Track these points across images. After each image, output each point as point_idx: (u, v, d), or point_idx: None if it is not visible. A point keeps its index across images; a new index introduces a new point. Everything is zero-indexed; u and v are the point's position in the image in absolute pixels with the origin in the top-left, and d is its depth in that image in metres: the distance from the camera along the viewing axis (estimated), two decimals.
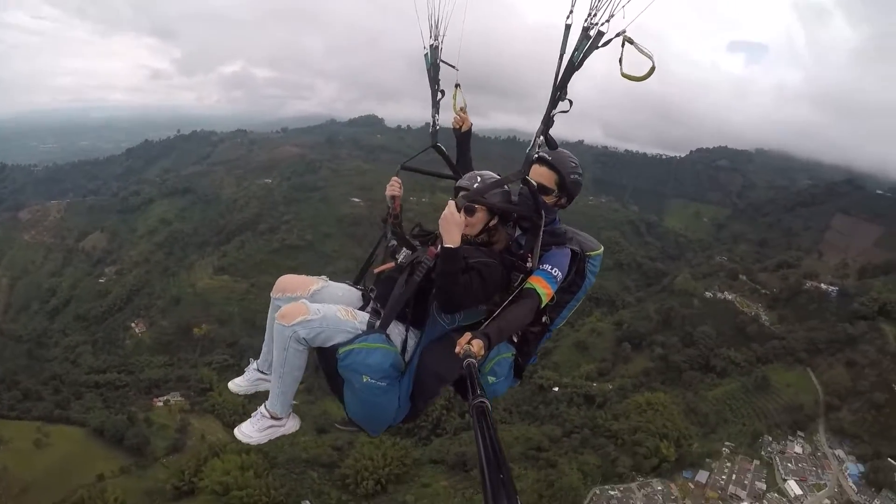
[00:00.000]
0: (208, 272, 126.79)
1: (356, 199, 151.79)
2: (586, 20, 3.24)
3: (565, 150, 4.24)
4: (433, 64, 4.88)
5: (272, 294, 4.16)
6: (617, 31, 3.19)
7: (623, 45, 3.20)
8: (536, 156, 4.08)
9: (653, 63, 3.21)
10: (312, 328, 3.52)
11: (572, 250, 4.11)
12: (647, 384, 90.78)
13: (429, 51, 4.87)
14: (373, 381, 3.60)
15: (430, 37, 4.83)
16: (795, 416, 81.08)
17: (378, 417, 3.88)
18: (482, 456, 1.69)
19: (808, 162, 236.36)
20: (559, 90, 3.43)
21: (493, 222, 4.01)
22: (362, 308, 4.10)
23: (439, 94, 4.93)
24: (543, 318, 4.18)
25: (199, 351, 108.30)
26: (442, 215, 3.58)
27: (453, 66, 4.90)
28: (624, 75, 3.32)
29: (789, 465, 72.30)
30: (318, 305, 3.66)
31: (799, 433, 78.76)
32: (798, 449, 75.58)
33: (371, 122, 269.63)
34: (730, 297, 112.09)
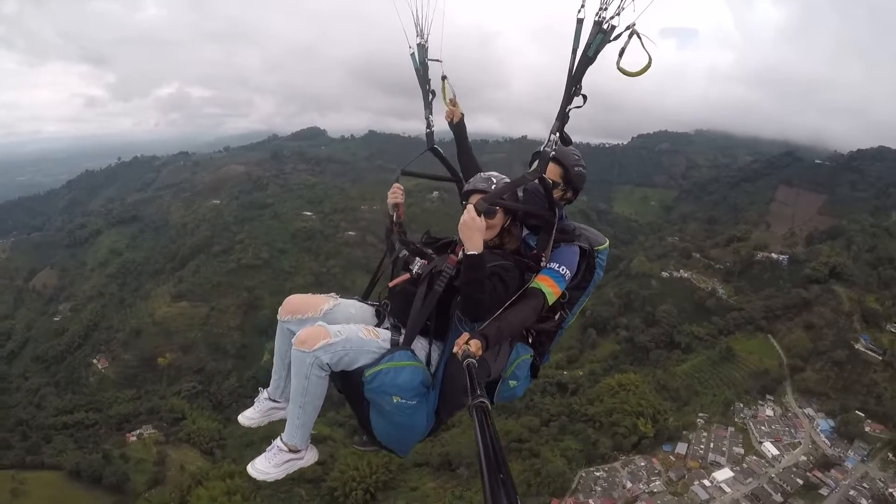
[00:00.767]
0: (166, 300, 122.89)
1: (307, 213, 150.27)
2: (598, 14, 3.21)
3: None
4: (422, 63, 4.74)
5: (280, 317, 3.90)
6: (627, 24, 3.21)
7: (630, 37, 3.23)
8: (536, 150, 4.10)
9: (650, 59, 3.30)
10: (336, 352, 3.33)
11: (581, 247, 4.05)
12: (616, 367, 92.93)
13: (416, 50, 4.73)
14: (403, 402, 3.44)
15: (416, 35, 4.70)
16: (763, 381, 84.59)
17: (409, 437, 3.74)
18: (482, 456, 1.68)
19: (748, 138, 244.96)
20: (574, 85, 3.38)
21: (507, 223, 3.92)
22: (378, 325, 3.95)
23: (430, 95, 4.80)
24: (556, 316, 4.15)
25: (166, 381, 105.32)
26: (462, 220, 3.40)
27: (438, 60, 4.76)
28: (620, 69, 3.34)
29: (763, 427, 75.28)
30: (337, 327, 3.46)
31: (768, 397, 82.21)
32: (769, 412, 78.79)
33: (314, 135, 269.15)
34: (686, 275, 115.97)
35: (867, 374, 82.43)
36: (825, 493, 63.81)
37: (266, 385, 4.42)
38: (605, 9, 3.19)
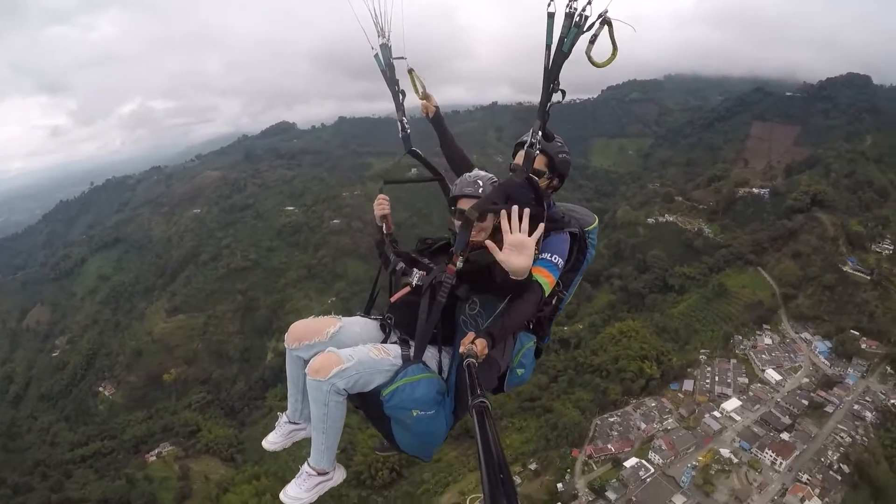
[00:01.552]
0: (161, 316, 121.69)
1: (290, 208, 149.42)
2: (568, 6, 3.17)
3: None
4: (388, 65, 4.62)
5: (287, 345, 3.87)
6: (599, 13, 3.17)
7: (602, 25, 3.19)
8: (519, 141, 4.14)
9: (615, 49, 3.27)
10: (350, 377, 3.35)
11: (571, 233, 4.07)
12: (614, 316, 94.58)
13: (379, 51, 4.60)
14: (423, 413, 3.49)
15: (378, 36, 4.56)
16: (758, 313, 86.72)
17: (432, 444, 3.77)
18: (482, 456, 1.70)
19: (717, 79, 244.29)
20: (552, 81, 3.34)
21: (498, 221, 3.70)
22: (384, 340, 3.96)
23: (401, 96, 4.68)
24: (553, 300, 4.18)
25: (174, 396, 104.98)
26: (519, 241, 3.17)
27: (403, 58, 4.61)
28: (590, 59, 3.33)
29: (764, 356, 77.71)
30: (348, 351, 3.45)
31: (765, 326, 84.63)
32: (768, 341, 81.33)
33: (284, 129, 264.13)
34: (671, 219, 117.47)
35: (857, 294, 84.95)
36: (830, 411, 66.32)
37: (285, 410, 4.41)
38: (576, 0, 3.14)
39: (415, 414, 3.46)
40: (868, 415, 64.96)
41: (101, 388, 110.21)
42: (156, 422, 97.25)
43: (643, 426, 66.79)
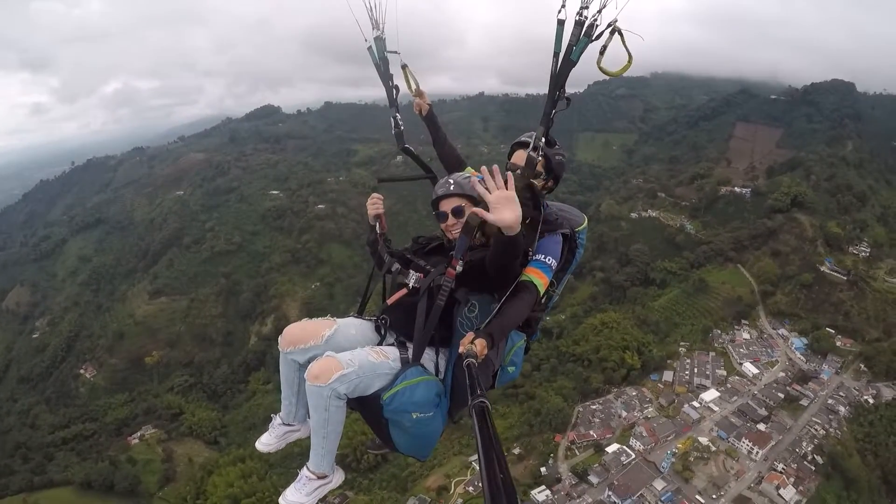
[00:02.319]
0: (144, 299, 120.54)
1: (274, 192, 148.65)
2: (579, 13, 3.14)
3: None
4: (382, 59, 4.54)
5: (282, 348, 3.80)
6: (609, 22, 3.14)
7: (612, 34, 3.18)
8: (517, 141, 4.26)
9: (630, 58, 3.26)
10: (351, 381, 3.33)
11: (563, 234, 4.13)
12: (596, 307, 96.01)
13: (373, 44, 4.53)
14: (422, 416, 3.51)
15: (373, 28, 4.50)
16: (737, 308, 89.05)
17: (429, 444, 3.78)
18: (482, 456, 1.71)
19: (703, 79, 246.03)
20: (558, 89, 3.35)
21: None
22: (380, 342, 3.93)
23: (395, 91, 4.63)
24: (543, 299, 4.18)
25: (156, 379, 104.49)
26: (502, 196, 3.05)
27: (396, 52, 4.55)
28: (601, 69, 3.33)
29: (741, 350, 79.90)
30: (347, 355, 3.42)
31: (743, 322, 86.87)
32: (746, 335, 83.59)
33: (269, 113, 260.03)
34: (654, 214, 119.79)
35: (834, 293, 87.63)
36: (805, 404, 68.63)
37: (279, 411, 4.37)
38: (587, 7, 3.12)
39: (414, 416, 3.49)
40: (842, 409, 67.35)
41: (82, 371, 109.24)
42: (138, 404, 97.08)
43: (624, 414, 68.37)
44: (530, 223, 3.85)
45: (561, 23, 3.16)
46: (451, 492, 58.82)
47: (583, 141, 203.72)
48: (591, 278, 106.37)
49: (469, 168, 4.69)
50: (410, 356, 3.60)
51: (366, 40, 4.51)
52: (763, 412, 66.97)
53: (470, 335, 3.22)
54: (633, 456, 60.81)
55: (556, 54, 3.26)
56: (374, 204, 4.35)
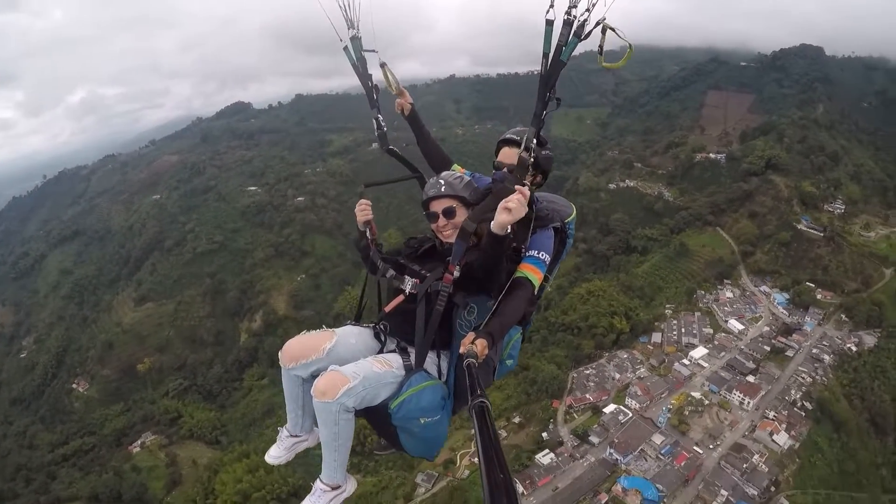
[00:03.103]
0: (130, 306, 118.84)
1: (252, 188, 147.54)
2: (567, 13, 3.05)
3: (532, 129, 3.79)
4: (359, 58, 4.39)
5: (284, 365, 3.80)
6: (597, 20, 3.04)
7: (604, 32, 3.09)
8: (504, 138, 4.22)
9: (630, 47, 3.16)
10: (358, 394, 3.34)
11: (554, 228, 4.15)
12: (581, 277, 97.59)
13: (350, 45, 4.37)
14: (430, 420, 3.54)
15: (348, 28, 4.35)
16: (718, 269, 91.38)
17: (438, 445, 3.81)
18: (482, 456, 1.70)
19: (673, 49, 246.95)
20: (549, 90, 3.30)
21: None
22: (381, 349, 3.93)
23: (375, 92, 4.52)
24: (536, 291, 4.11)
25: (151, 386, 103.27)
26: (515, 201, 3.09)
27: (374, 51, 4.39)
28: (604, 66, 3.37)
29: (726, 308, 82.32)
30: (352, 368, 3.41)
31: (726, 281, 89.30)
32: (729, 294, 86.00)
33: (240, 110, 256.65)
34: (632, 184, 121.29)
35: (812, 250, 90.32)
36: (791, 355, 71.27)
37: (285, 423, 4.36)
38: (576, 6, 3.04)
39: (422, 422, 3.51)
40: (826, 357, 70.00)
41: (74, 385, 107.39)
42: (135, 413, 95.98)
43: (617, 376, 70.24)
44: (523, 221, 3.56)
45: (550, 23, 3.06)
46: (458, 464, 59.82)
47: (556, 116, 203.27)
48: (573, 249, 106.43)
49: (456, 165, 4.70)
50: (413, 362, 3.63)
51: (341, 40, 4.36)
52: (751, 365, 69.37)
53: (470, 335, 3.27)
54: (631, 414, 62.80)
55: (545, 55, 3.19)
56: (364, 210, 4.21)
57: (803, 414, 61.41)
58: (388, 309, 3.82)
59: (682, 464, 55.43)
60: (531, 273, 3.74)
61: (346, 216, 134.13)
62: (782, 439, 57.80)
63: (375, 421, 3.61)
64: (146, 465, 79.89)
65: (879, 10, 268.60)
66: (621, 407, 64.02)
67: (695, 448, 57.41)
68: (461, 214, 3.79)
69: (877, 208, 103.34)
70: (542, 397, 67.96)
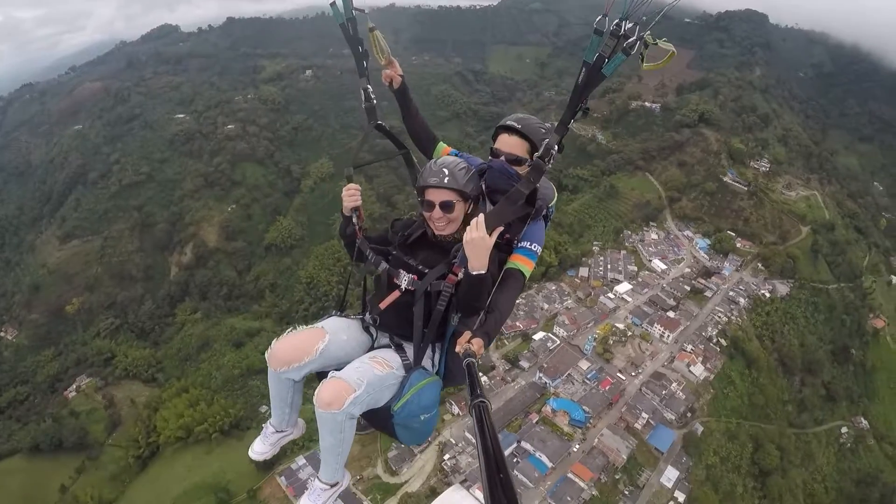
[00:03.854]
0: (54, 245, 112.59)
1: (180, 115, 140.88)
2: (618, 25, 2.82)
3: (532, 116, 3.87)
4: (349, 18, 3.92)
5: (274, 369, 3.62)
6: (639, 34, 2.82)
7: (646, 47, 2.86)
8: (503, 124, 3.84)
9: (673, 50, 2.92)
10: (363, 401, 3.24)
11: (545, 217, 4.03)
12: None
13: (339, 1, 3.89)
14: (429, 415, 3.54)
15: None
16: (645, 212, 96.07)
17: (429, 433, 3.78)
18: (482, 456, 1.69)
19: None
20: (583, 100, 3.16)
21: (469, 210, 3.72)
22: (372, 344, 3.87)
23: (365, 59, 4.08)
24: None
25: (81, 327, 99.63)
26: (469, 238, 3.20)
27: (362, 11, 3.99)
28: (644, 68, 3.06)
29: (650, 248, 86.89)
30: (354, 374, 3.27)
31: (652, 224, 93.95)
32: (654, 236, 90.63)
33: (167, 33, 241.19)
34: None
35: (735, 202, 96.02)
36: (709, 295, 76.74)
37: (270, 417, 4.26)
38: (626, 19, 2.80)
39: (422, 418, 3.50)
40: (742, 300, 75.74)
41: (2, 333, 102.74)
42: (67, 357, 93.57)
43: (546, 306, 73.26)
44: (520, 217, 3.65)
45: (598, 32, 2.87)
46: None
47: (496, 53, 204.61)
48: None
49: (441, 143, 4.34)
50: (412, 360, 3.57)
51: None
52: (672, 302, 74.21)
53: (467, 334, 3.22)
54: (558, 342, 66.35)
55: (585, 63, 2.99)
56: (352, 195, 3.94)
57: (718, 349, 66.74)
58: (383, 305, 3.66)
59: (607, 388, 59.43)
60: (523, 264, 3.65)
61: (277, 144, 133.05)
62: (698, 370, 62.95)
63: (375, 419, 3.55)
64: (84, 409, 78.67)
65: None
66: (550, 335, 67.21)
67: (618, 374, 61.59)
68: (459, 210, 3.62)
69: (800, 171, 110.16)
70: None
